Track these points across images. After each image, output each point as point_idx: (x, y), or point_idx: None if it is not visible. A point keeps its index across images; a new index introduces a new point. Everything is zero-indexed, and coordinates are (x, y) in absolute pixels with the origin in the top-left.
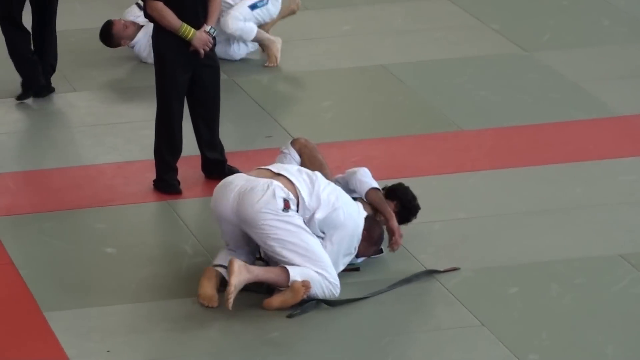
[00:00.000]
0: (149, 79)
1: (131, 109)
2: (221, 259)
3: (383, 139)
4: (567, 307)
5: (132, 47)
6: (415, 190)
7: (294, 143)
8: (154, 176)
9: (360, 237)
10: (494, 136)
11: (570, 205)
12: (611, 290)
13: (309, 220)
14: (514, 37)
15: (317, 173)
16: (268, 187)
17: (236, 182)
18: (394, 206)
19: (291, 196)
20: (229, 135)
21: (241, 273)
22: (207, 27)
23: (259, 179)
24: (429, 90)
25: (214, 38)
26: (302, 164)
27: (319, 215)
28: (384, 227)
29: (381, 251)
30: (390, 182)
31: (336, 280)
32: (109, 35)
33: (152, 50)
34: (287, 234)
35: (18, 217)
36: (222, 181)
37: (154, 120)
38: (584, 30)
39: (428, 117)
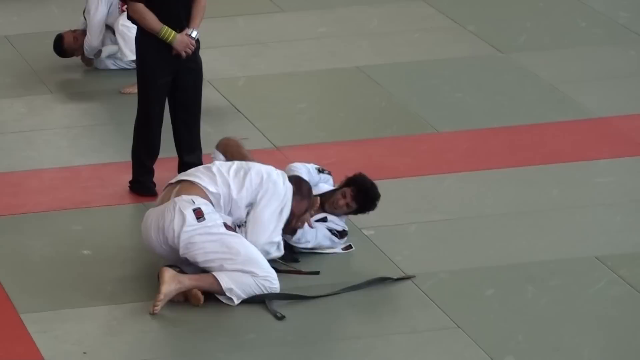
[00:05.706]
0: (125, 82)
1: (107, 111)
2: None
3: (359, 141)
4: (543, 309)
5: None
6: (391, 192)
7: (218, 145)
8: (130, 178)
9: (289, 191)
10: (470, 138)
11: (546, 207)
12: (587, 292)
13: (232, 202)
14: (490, 38)
15: (215, 162)
16: (173, 207)
17: (150, 218)
18: (350, 191)
19: (199, 199)
20: (205, 137)
21: (171, 283)
22: (189, 31)
23: (163, 205)
24: (405, 92)
25: (197, 41)
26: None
27: (235, 194)
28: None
29: (350, 247)
30: None
31: (269, 273)
32: (62, 49)
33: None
34: (211, 245)
35: None
36: (143, 221)
37: (130, 123)
38: (560, 31)
39: (404, 119)
